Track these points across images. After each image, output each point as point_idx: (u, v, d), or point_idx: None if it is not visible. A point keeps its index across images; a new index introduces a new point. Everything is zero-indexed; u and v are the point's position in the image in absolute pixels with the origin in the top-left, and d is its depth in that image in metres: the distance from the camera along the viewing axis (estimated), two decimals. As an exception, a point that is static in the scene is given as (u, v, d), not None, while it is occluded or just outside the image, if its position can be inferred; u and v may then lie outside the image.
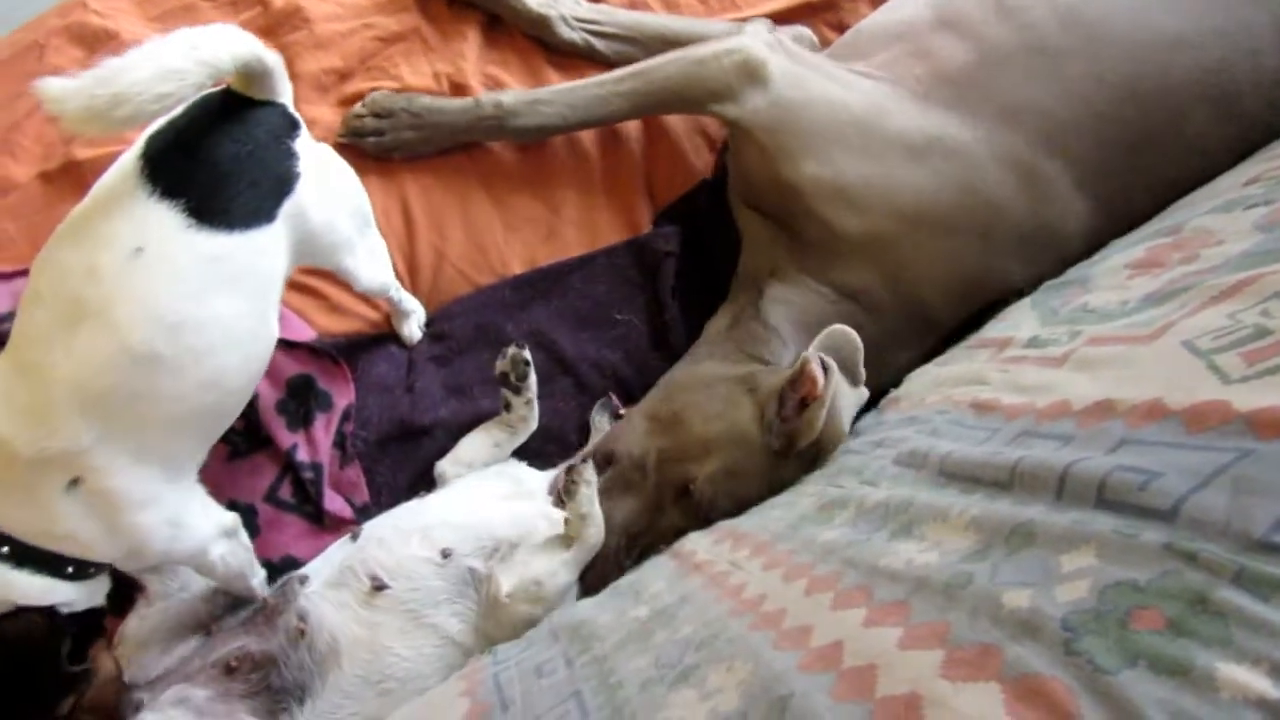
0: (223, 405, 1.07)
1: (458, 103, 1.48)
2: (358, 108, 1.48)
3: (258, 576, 1.21)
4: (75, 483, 0.94)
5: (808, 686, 0.71)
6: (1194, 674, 0.54)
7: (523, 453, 1.42)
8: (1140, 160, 1.33)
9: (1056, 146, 1.33)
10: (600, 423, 1.46)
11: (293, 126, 1.09)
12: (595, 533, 1.17)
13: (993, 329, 1.24)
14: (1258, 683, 0.52)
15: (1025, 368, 0.99)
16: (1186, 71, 1.32)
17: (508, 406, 1.38)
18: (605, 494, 1.21)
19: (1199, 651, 0.54)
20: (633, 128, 1.59)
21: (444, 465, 1.39)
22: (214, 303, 1.00)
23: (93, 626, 1.04)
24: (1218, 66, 1.32)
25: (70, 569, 0.98)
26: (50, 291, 0.96)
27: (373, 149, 1.47)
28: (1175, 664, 0.54)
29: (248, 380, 1.09)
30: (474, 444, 1.41)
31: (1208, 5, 1.33)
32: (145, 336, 0.95)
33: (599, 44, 1.58)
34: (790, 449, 1.19)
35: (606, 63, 1.57)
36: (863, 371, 1.25)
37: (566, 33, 1.57)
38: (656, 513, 1.23)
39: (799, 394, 1.17)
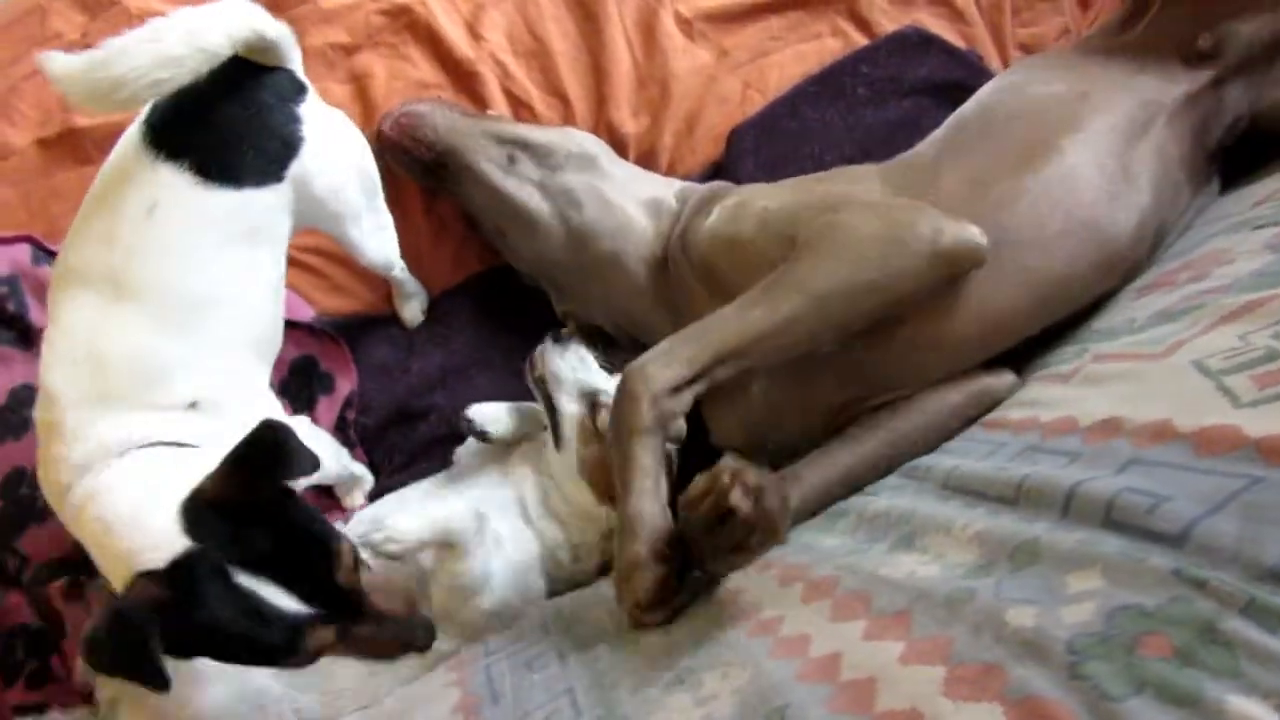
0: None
1: None
2: None
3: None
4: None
5: (804, 698, 0.70)
6: (1202, 705, 0.53)
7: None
8: None
9: None
10: (556, 359, 1.26)
11: (299, 90, 1.11)
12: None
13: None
14: (1268, 717, 0.51)
15: (1031, 383, 0.98)
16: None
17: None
18: None
19: (1208, 682, 0.54)
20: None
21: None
22: (226, 254, 1.03)
23: None
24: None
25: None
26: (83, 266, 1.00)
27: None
28: (1184, 694, 0.54)
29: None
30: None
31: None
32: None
33: None
34: None
35: None
36: None
37: None
38: None
39: None
